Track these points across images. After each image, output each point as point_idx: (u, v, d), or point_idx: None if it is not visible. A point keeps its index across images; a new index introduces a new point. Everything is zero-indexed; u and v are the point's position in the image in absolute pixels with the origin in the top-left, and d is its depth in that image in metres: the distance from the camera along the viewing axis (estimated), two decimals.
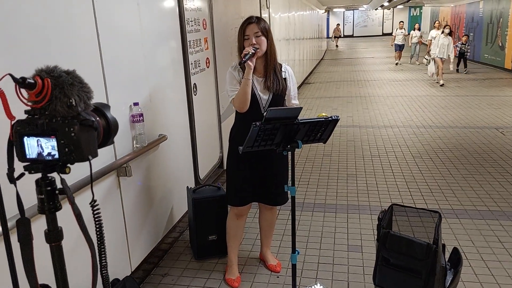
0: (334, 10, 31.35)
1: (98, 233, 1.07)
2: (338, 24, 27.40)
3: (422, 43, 15.60)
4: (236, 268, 2.71)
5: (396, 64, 14.97)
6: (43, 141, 0.98)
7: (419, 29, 15.19)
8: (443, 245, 2.26)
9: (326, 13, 26.37)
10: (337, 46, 24.49)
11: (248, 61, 2.26)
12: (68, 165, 1.00)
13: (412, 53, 15.32)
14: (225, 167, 4.35)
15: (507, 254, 2.85)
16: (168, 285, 2.65)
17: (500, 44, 12.43)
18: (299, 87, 10.55)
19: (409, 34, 15.48)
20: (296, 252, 2.27)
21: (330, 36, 26.46)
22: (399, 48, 15.13)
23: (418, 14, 31.57)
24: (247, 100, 2.35)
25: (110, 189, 2.38)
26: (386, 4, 22.14)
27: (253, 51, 2.28)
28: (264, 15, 6.48)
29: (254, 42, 2.34)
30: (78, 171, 1.14)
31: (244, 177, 2.51)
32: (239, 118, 2.49)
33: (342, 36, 26.69)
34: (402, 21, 16.26)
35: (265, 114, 1.95)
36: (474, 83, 10.21)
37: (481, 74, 10.42)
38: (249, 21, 2.38)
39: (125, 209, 2.50)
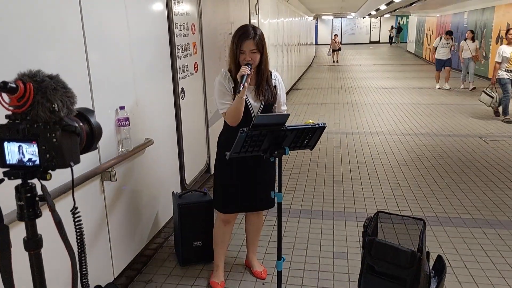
0: (323, 17, 31.64)
1: (79, 241, 1.04)
2: (335, 35, 20.94)
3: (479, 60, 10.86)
4: (222, 272, 2.69)
5: (439, 88, 10.48)
6: (24, 146, 0.95)
7: (472, 39, 10.17)
8: (427, 253, 2.28)
9: (314, 20, 26.32)
10: (335, 61, 19.09)
11: (245, 83, 2.21)
12: (49, 171, 0.97)
13: (463, 74, 10.54)
14: (211, 172, 4.33)
15: (489, 262, 2.89)
16: None
17: (484, 54, 12.67)
18: (287, 93, 10.56)
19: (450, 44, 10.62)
20: (282, 259, 2.26)
21: (329, 43, 20.45)
22: (442, 65, 10.52)
23: (404, 23, 32.13)
24: (240, 116, 2.32)
25: (94, 194, 2.34)
26: (373, 12, 22.40)
27: (249, 72, 2.23)
28: (253, 21, 6.50)
29: (249, 58, 2.29)
30: (60, 176, 1.12)
31: (233, 184, 2.49)
32: (228, 125, 2.45)
33: (341, 49, 20.24)
34: (451, 31, 11.07)
35: (253, 120, 1.95)
36: (459, 92, 10.37)
37: (466, 83, 10.59)
38: (246, 36, 2.29)
39: (108, 214, 2.46)
